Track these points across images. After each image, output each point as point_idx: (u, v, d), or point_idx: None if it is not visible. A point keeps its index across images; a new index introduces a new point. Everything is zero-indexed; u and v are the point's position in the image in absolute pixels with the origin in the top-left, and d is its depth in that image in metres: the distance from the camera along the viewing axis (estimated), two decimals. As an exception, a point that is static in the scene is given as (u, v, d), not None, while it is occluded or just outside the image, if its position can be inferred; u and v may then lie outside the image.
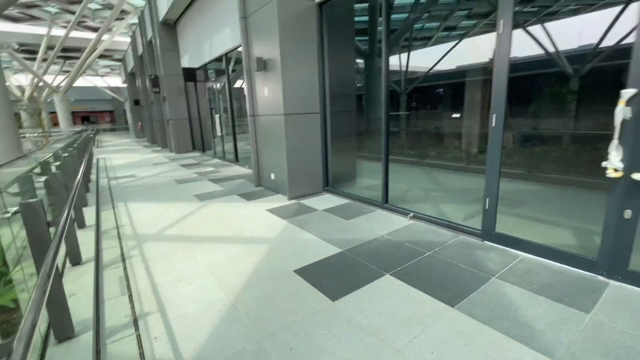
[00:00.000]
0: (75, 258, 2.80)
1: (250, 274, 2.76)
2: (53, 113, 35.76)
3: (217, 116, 9.10)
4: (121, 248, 3.48)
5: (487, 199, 3.06)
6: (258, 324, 2.10)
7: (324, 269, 2.79)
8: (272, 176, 5.54)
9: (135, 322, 2.18)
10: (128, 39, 23.41)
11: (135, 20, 19.97)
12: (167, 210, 4.83)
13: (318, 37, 4.91)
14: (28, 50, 26.43)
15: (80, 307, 2.20)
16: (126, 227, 4.18)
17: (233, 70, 8.35)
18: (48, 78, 27.34)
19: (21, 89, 24.06)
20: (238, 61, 8.42)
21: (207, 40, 8.97)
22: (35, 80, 20.33)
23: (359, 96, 7.51)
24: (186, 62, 11.03)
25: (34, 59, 25.62)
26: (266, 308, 2.27)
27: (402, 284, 2.50)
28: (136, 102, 21.91)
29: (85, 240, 3.47)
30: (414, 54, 10.04)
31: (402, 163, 7.70)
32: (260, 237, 3.59)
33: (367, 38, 8.19)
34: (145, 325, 2.13)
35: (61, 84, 23.16)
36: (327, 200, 4.96)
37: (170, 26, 11.60)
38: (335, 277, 2.65)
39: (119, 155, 12.85)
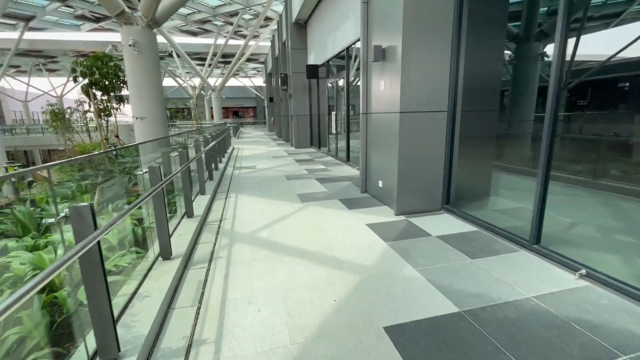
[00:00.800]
0: (165, 253, 2.79)
1: (327, 316, 2.16)
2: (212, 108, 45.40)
3: (333, 113, 8.89)
4: (214, 245, 3.44)
5: None
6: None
7: (426, 338, 1.93)
8: (380, 183, 4.80)
9: (188, 349, 1.88)
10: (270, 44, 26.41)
11: (275, 26, 22.23)
12: (268, 207, 4.74)
13: (455, 18, 3.85)
14: (200, 57, 33.12)
15: (144, 316, 2.05)
16: (228, 221, 4.22)
17: (357, 69, 7.91)
18: (210, 80, 33.55)
19: (193, 89, 30.45)
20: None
21: (331, 36, 8.80)
22: (200, 81, 25.37)
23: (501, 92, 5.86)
24: (312, 59, 11.27)
25: (202, 65, 31.89)
26: (334, 384, 1.61)
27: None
28: (271, 99, 24.49)
29: (185, 232, 3.57)
30: (588, 37, 7.36)
31: (562, 182, 5.61)
32: (350, 262, 2.94)
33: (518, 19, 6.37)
34: (194, 358, 1.80)
35: (216, 84, 28.18)
36: (445, 223, 3.90)
37: (301, 26, 12.09)
38: (442, 357, 1.77)
39: (250, 147, 14.41)
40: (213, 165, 7.34)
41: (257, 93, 46.20)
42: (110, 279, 1.82)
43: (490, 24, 4.07)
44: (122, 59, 13.57)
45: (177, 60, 29.04)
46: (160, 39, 27.07)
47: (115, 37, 29.72)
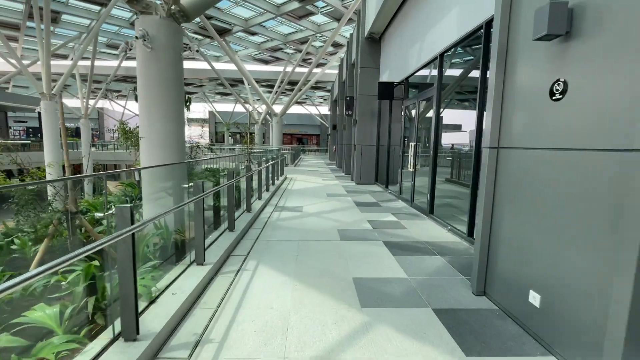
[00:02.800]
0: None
1: None
2: (284, 135, 46.39)
3: (412, 144, 6.52)
4: None
5: None
6: None
7: None
8: (536, 299, 2.24)
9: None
10: (337, 72, 25.45)
11: (343, 54, 21.07)
12: (297, 314, 2.50)
13: None
14: (270, 85, 33.80)
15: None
16: (213, 343, 2.08)
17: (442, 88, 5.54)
18: (278, 107, 33.79)
19: (259, 115, 30.80)
20: (453, 65, 5.56)
21: (416, 45, 6.65)
22: (266, 107, 25.21)
23: None
24: (385, 78, 9.21)
25: (270, 92, 32.31)
26: None
27: None
28: (334, 127, 23.00)
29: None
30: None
31: None
32: None
33: None
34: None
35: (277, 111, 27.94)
36: None
37: (374, 41, 10.22)
38: None
39: (305, 177, 12.59)
40: (243, 206, 5.46)
41: (322, 121, 45.88)
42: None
43: None
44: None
45: (247, 87, 29.75)
46: (231, 66, 28.27)
47: (197, 65, 31.95)
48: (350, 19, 17.61)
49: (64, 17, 20.52)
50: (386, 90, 7.44)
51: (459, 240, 4.50)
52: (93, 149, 29.61)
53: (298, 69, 26.33)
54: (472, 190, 4.26)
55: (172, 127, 4.46)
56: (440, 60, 5.48)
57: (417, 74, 6.97)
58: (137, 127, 15.87)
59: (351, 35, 13.43)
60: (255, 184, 6.99)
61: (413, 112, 7.58)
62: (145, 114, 4.37)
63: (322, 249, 4.09)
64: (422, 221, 5.65)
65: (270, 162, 8.63)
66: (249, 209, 5.48)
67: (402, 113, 7.35)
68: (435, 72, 5.70)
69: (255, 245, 4.13)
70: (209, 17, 19.49)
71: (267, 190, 8.03)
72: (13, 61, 18.03)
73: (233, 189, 4.23)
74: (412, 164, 6.56)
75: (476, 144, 4.17)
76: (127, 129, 17.94)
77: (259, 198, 6.74)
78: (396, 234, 4.80)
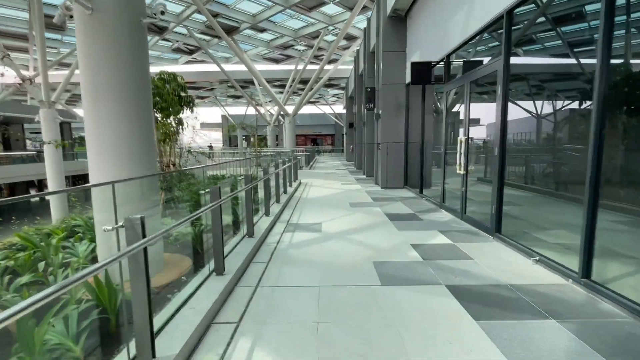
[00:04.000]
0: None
1: None
2: (296, 135, 44.88)
3: (461, 139, 4.96)
4: None
5: None
6: None
7: None
8: None
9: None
10: (352, 66, 23.92)
11: (358, 46, 19.51)
12: None
13: None
14: (282, 85, 32.61)
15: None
16: None
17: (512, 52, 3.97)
18: (290, 108, 32.56)
19: (271, 116, 29.61)
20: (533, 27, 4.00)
21: (461, 10, 5.09)
22: (278, 108, 23.93)
23: None
24: (416, 59, 7.65)
25: (282, 92, 31.11)
26: None
27: None
28: (350, 125, 21.50)
29: None
30: None
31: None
32: None
33: None
34: None
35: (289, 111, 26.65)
36: None
37: (398, 20, 8.68)
38: None
39: (321, 182, 11.14)
40: (244, 229, 4.08)
41: (337, 120, 44.36)
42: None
43: None
44: (184, 82, 12.17)
45: (258, 87, 28.67)
46: (241, 67, 27.22)
47: (206, 67, 31.18)
48: (365, 7, 16.09)
49: (72, 24, 19.96)
50: (422, 73, 5.89)
51: (564, 282, 2.94)
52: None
53: (310, 67, 24.94)
54: (590, 204, 2.70)
55: (132, 129, 3.10)
56: (508, 19, 3.91)
57: (457, 53, 5.41)
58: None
59: (369, 19, 11.91)
60: (261, 194, 5.61)
61: (447, 99, 6.03)
62: (91, 110, 3.03)
63: (356, 303, 2.63)
64: (487, 244, 4.09)
65: (281, 168, 7.24)
66: (250, 233, 4.09)
67: (444, 99, 5.79)
68: (485, 47, 4.15)
69: (252, 302, 2.71)
70: (215, 15, 18.42)
71: (278, 201, 6.64)
72: (26, 73, 17.46)
73: (220, 212, 2.83)
74: (462, 165, 5.00)
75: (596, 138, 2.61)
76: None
77: (267, 214, 5.35)
78: (462, 270, 3.27)
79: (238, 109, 49.20)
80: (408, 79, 8.53)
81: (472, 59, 5.63)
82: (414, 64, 5.89)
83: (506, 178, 4.20)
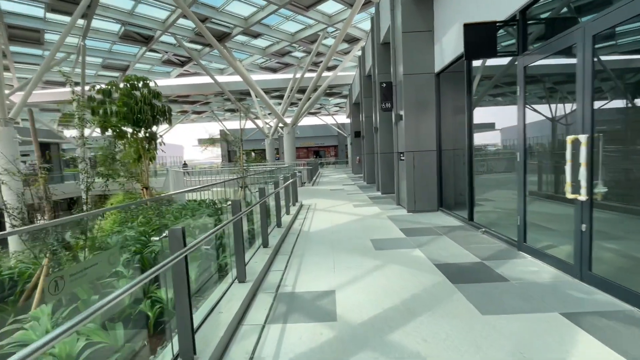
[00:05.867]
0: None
1: None
2: (297, 148, 42.66)
3: (571, 139, 2.79)
4: None
5: None
6: None
7: None
8: None
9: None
10: (355, 72, 22.04)
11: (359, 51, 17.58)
12: None
13: None
14: (280, 95, 30.83)
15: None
16: None
17: None
18: (290, 119, 30.69)
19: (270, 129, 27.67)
20: None
21: None
22: (277, 120, 21.95)
23: None
24: (453, 35, 5.53)
25: (280, 103, 29.27)
26: None
27: None
28: (356, 134, 19.41)
29: None
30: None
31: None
32: None
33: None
34: None
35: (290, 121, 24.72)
36: None
37: (421, -7, 6.63)
38: None
39: (328, 204, 8.92)
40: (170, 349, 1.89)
41: (339, 130, 42.44)
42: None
43: None
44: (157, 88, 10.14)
45: (255, 99, 26.87)
46: (237, 78, 25.43)
47: (201, 80, 29.55)
48: (367, 1, 14.20)
49: (48, 36, 18.35)
50: (483, 39, 3.72)
51: None
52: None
53: (309, 75, 23.07)
54: None
55: None
56: None
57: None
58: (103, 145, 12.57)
59: (377, 4, 9.92)
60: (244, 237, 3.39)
61: (522, 80, 3.85)
62: None
63: None
64: None
65: (270, 194, 5.04)
66: (185, 350, 1.90)
67: (519, 79, 3.63)
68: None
69: None
70: (204, 20, 16.66)
71: (266, 245, 4.41)
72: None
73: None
74: (584, 188, 2.78)
75: None
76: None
77: (240, 279, 3.13)
78: None
79: (237, 124, 47.54)
80: (438, 66, 6.41)
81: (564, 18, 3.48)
82: (469, 27, 3.75)
83: None
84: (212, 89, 29.10)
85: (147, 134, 9.17)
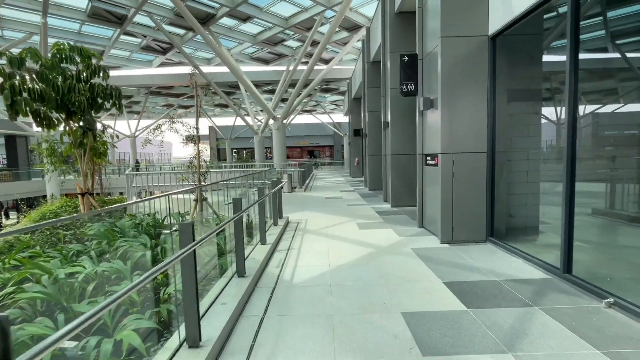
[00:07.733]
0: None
1: None
2: (290, 147, 40.14)
3: None
4: None
5: None
6: None
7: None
8: None
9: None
10: (354, 66, 19.80)
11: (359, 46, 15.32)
12: None
13: None
14: (272, 90, 28.46)
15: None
16: None
17: None
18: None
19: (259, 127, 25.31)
20: None
21: None
22: (267, 116, 19.58)
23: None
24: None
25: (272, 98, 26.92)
26: None
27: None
28: (356, 133, 17.17)
29: None
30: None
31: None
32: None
33: None
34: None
35: (286, 120, 22.38)
36: None
37: None
38: None
39: (323, 221, 6.64)
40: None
41: (335, 130, 40.18)
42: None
43: None
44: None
45: (244, 93, 24.48)
46: (225, 68, 22.99)
47: (185, 69, 27.02)
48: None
49: (3, 11, 15.81)
50: None
51: None
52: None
53: (303, 67, 20.75)
54: None
55: None
56: None
57: None
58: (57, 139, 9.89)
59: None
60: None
61: None
62: None
63: None
64: None
65: (220, 226, 2.77)
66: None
67: None
68: None
69: None
70: (183, -3, 14.28)
71: (195, 341, 2.14)
72: None
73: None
74: None
75: None
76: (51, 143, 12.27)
77: None
78: None
79: (228, 120, 44.92)
80: (495, 25, 4.21)
81: None
82: None
83: None
84: (198, 79, 26.64)
85: (81, 123, 6.77)
